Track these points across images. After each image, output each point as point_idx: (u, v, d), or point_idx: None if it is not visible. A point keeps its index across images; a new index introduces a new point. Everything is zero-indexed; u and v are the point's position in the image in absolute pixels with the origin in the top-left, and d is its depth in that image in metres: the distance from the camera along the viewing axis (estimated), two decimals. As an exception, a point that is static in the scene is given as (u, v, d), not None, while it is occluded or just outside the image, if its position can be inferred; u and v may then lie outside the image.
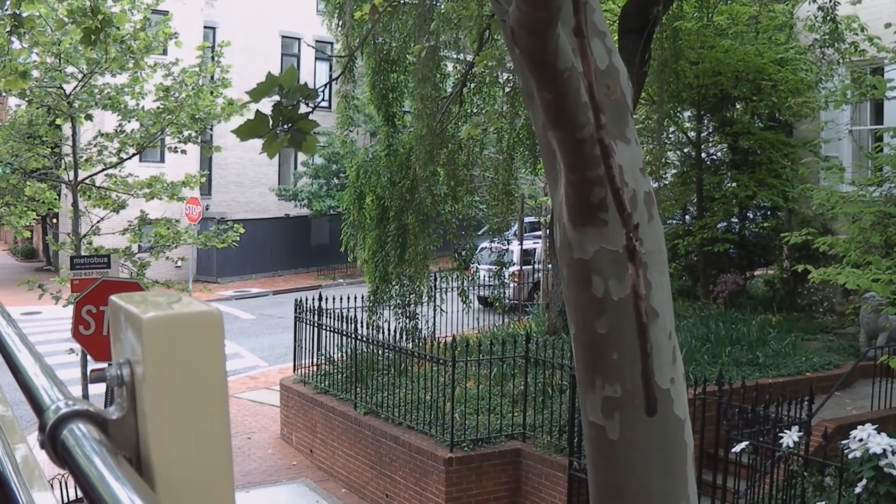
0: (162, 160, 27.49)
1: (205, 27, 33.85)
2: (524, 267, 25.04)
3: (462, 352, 11.96)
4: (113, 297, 1.27)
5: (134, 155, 14.00)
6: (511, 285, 22.28)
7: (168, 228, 13.96)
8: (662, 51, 15.14)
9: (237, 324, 26.47)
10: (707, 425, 9.82)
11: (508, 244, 18.33)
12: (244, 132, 3.42)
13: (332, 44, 40.73)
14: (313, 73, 40.73)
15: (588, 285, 3.17)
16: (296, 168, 39.41)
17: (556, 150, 3.24)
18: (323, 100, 40.54)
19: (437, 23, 15.11)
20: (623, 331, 3.16)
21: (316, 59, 40.93)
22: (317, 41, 40.47)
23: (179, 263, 15.53)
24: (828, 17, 13.86)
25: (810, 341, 15.35)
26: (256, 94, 3.40)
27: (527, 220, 27.72)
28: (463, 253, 19.00)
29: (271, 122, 3.60)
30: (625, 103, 3.27)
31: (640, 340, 2.51)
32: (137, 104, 13.72)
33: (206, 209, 33.50)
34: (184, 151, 14.22)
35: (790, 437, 7.72)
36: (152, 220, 14.51)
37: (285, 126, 3.59)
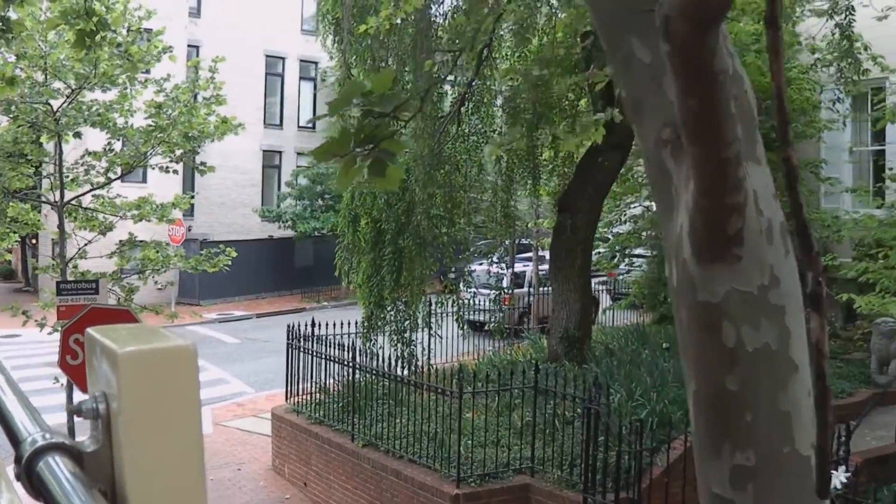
0: (144, 180, 26.86)
1: (188, 45, 33.28)
2: (515, 290, 24.54)
3: (467, 381, 11.40)
4: (89, 330, 1.30)
5: (123, 175, 13.43)
6: (502, 309, 21.80)
7: (157, 251, 13.36)
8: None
9: (221, 348, 25.81)
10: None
11: (507, 268, 17.79)
12: (323, 153, 2.77)
13: (316, 63, 40.42)
14: (297, 92, 40.27)
15: (716, 333, 2.65)
16: (279, 189, 38.87)
17: (673, 171, 2.73)
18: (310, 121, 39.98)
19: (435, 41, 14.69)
20: (759, 387, 2.65)
21: (300, 78, 40.44)
22: (301, 60, 40.10)
23: (161, 286, 14.95)
24: (844, 34, 13.48)
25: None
26: (337, 104, 2.78)
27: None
28: (451, 276, 18.50)
29: (353, 141, 2.88)
30: (753, 116, 2.77)
31: (821, 410, 2.01)
32: (126, 122, 13.13)
33: (189, 230, 32.89)
34: (175, 171, 13.65)
35: (837, 479, 7.22)
36: (141, 242, 13.92)
37: (367, 147, 2.83)
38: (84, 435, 1.22)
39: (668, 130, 2.72)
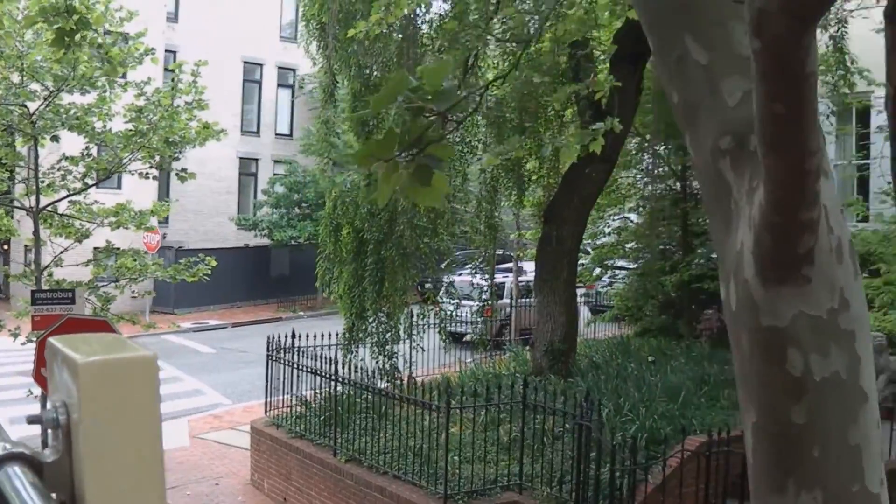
0: (119, 186, 26.43)
1: (166, 50, 32.85)
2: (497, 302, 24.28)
3: (454, 395, 11.13)
4: (51, 340, 1.35)
5: (102, 180, 13.06)
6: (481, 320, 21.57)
7: (135, 260, 13.00)
8: (658, 80, 14.55)
9: (197, 358, 25.42)
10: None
11: (489, 279, 17.53)
12: (365, 157, 2.44)
13: (294, 70, 40.09)
14: (275, 99, 39.93)
15: (780, 361, 2.41)
16: (256, 197, 38.49)
17: (733, 183, 2.49)
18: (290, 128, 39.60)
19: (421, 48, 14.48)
20: (828, 420, 2.41)
21: (278, 85, 40.10)
22: (279, 67, 39.78)
23: (135, 295, 14.60)
24: (837, 47, 13.36)
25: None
26: (381, 100, 2.48)
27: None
28: (427, 286, 18.26)
29: (399, 143, 2.59)
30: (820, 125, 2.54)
31: None
32: (104, 126, 12.78)
33: (164, 238, 32.46)
34: (155, 177, 13.31)
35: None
36: (117, 250, 13.55)
37: (412, 151, 2.56)
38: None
39: (728, 139, 2.49)
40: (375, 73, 14.89)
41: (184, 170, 13.39)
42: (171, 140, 12.59)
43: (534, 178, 17.08)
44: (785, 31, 1.85)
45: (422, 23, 14.69)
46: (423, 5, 13.46)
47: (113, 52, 10.31)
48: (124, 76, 12.95)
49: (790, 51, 1.89)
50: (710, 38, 2.57)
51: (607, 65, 14.05)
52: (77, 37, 7.00)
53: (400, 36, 14.60)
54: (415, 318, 16.86)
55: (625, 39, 12.87)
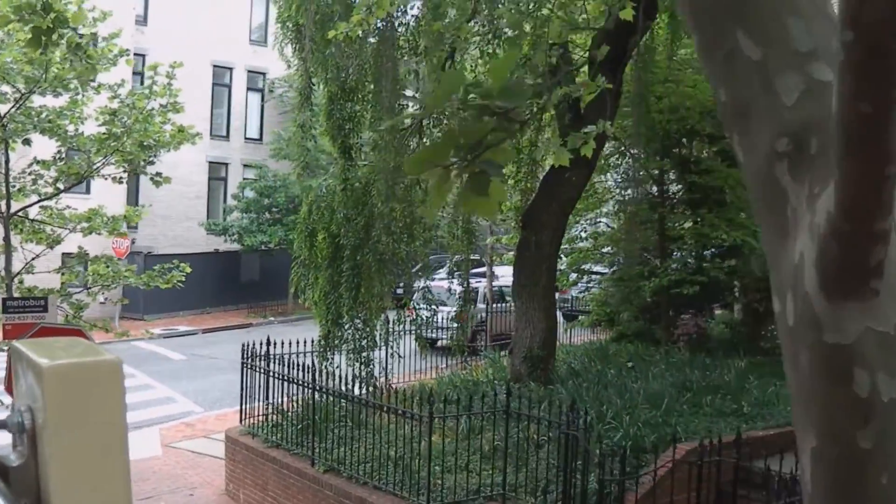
0: (88, 191, 25.99)
1: (135, 53, 32.44)
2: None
3: (435, 404, 10.91)
4: (15, 343, 1.41)
5: (74, 185, 12.74)
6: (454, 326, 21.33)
7: (107, 266, 12.69)
8: (638, 84, 14.47)
9: (168, 365, 25.06)
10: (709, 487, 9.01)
11: (466, 284, 17.28)
12: (419, 163, 2.16)
13: (264, 74, 39.75)
14: (244, 103, 39.56)
15: (845, 380, 2.22)
16: (226, 201, 38.09)
17: (790, 188, 2.32)
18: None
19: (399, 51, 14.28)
20: (896, 444, 2.24)
21: (248, 89, 39.73)
22: (249, 71, 39.43)
23: (104, 301, 14.28)
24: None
25: (784, 387, 14.67)
26: (438, 99, 2.19)
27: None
28: (399, 292, 18.01)
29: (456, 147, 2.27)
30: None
31: None
32: (77, 129, 12.47)
33: (133, 243, 32.00)
34: (124, 181, 12.97)
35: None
36: (87, 256, 13.23)
37: (468, 156, 2.20)
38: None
39: (785, 141, 2.31)
40: (352, 76, 14.66)
41: (158, 174, 13.11)
42: (145, 144, 12.31)
43: (511, 182, 16.90)
44: (887, 23, 1.67)
45: (399, 25, 14.47)
46: (401, 7, 13.25)
47: (91, 52, 9.98)
48: (94, 80, 12.63)
49: (890, 44, 1.71)
50: (765, 32, 2.39)
51: (586, 68, 13.89)
52: (54, 36, 6.75)
53: (376, 39, 14.39)
54: (391, 325, 16.60)
55: (604, 43, 12.72)
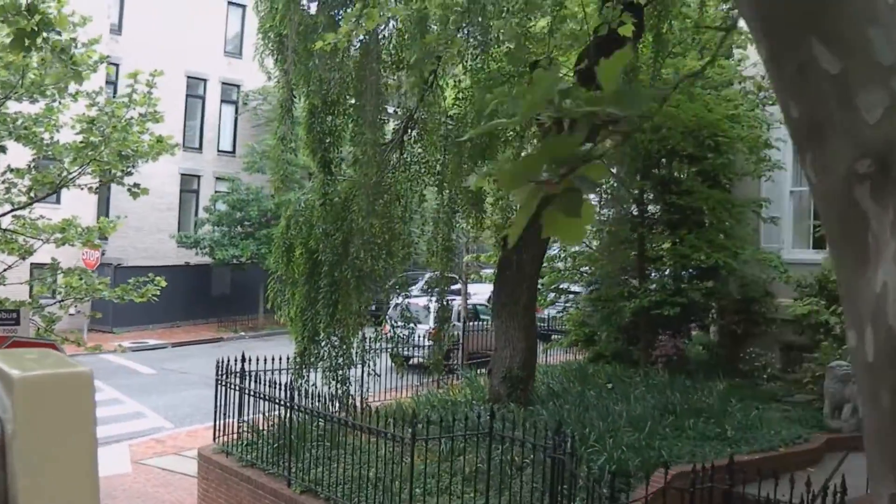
0: (58, 201, 25.56)
1: (109, 62, 32.05)
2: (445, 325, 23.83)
3: (414, 425, 10.65)
4: None
5: (49, 195, 12.43)
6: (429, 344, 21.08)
7: (81, 279, 12.36)
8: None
9: (137, 379, 24.65)
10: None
11: (443, 301, 16.95)
12: (512, 177, 1.78)
13: (238, 86, 39.44)
14: (218, 116, 39.21)
15: (934, 424, 2.03)
16: (197, 214, 37.68)
17: (871, 212, 2.12)
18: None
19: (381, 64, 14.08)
20: None
21: (222, 101, 39.38)
22: (223, 83, 39.12)
23: (74, 312, 13.96)
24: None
25: (766, 411, 14.57)
26: (532, 104, 1.78)
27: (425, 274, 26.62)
28: (372, 308, 17.73)
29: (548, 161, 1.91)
30: None
31: None
32: (52, 137, 12.16)
33: (103, 254, 31.55)
34: (97, 191, 12.63)
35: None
36: (60, 267, 12.89)
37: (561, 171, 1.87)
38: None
39: (867, 162, 2.11)
40: (333, 88, 14.44)
41: (136, 185, 12.81)
42: (123, 153, 12.01)
43: (492, 199, 16.74)
44: None
45: (381, 38, 14.26)
46: (387, 19, 13.05)
47: (77, 57, 9.63)
48: (80, 84, 12.32)
49: None
50: (844, 43, 2.20)
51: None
52: (38, 39, 6.49)
53: (358, 52, 14.18)
54: (368, 343, 16.33)
55: (588, 58, 12.58)
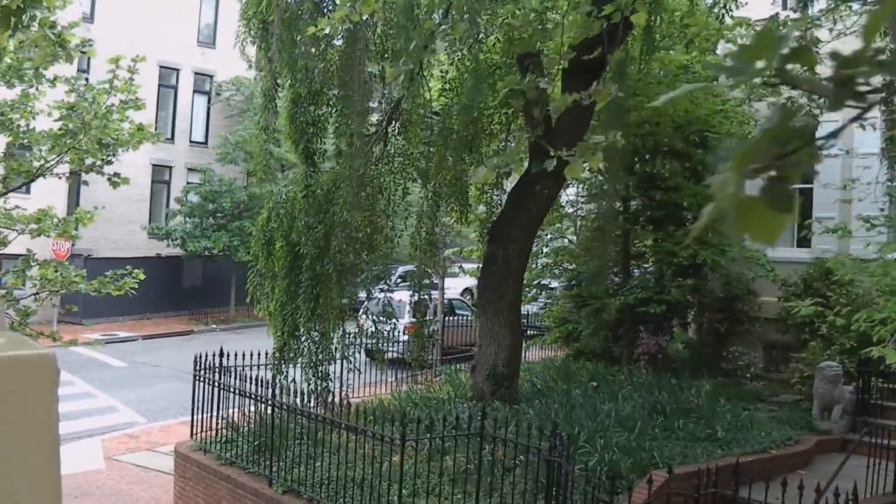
0: (28, 191, 24.97)
1: (80, 51, 31.44)
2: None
3: (401, 424, 10.33)
4: None
5: (25, 184, 12.02)
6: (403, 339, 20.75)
7: (57, 271, 11.95)
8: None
9: (108, 372, 24.17)
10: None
11: (419, 294, 16.56)
12: (746, 157, 1.36)
13: (211, 77, 38.90)
14: (190, 106, 38.67)
15: None
16: (169, 205, 37.12)
17: None
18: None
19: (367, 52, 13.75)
20: None
21: (194, 91, 38.84)
22: (196, 73, 38.61)
23: (53, 305, 13.54)
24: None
25: (753, 411, 14.39)
26: (752, 54, 1.35)
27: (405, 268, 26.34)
28: (344, 301, 17.43)
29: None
30: None
31: None
32: (28, 124, 11.75)
33: (73, 245, 31.01)
34: (87, 182, 12.25)
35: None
36: (33, 258, 12.47)
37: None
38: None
39: None
40: (318, 78, 14.10)
41: (116, 174, 12.40)
42: (104, 142, 11.61)
43: (477, 193, 16.46)
44: None
45: (367, 26, 13.94)
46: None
47: (67, 36, 9.18)
48: (72, 63, 11.88)
49: None
50: None
51: (559, 77, 13.54)
52: (24, 17, 6.14)
53: (342, 42, 13.86)
54: (348, 338, 15.98)
55: (580, 51, 12.31)
